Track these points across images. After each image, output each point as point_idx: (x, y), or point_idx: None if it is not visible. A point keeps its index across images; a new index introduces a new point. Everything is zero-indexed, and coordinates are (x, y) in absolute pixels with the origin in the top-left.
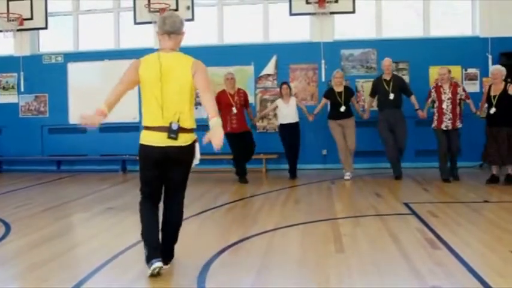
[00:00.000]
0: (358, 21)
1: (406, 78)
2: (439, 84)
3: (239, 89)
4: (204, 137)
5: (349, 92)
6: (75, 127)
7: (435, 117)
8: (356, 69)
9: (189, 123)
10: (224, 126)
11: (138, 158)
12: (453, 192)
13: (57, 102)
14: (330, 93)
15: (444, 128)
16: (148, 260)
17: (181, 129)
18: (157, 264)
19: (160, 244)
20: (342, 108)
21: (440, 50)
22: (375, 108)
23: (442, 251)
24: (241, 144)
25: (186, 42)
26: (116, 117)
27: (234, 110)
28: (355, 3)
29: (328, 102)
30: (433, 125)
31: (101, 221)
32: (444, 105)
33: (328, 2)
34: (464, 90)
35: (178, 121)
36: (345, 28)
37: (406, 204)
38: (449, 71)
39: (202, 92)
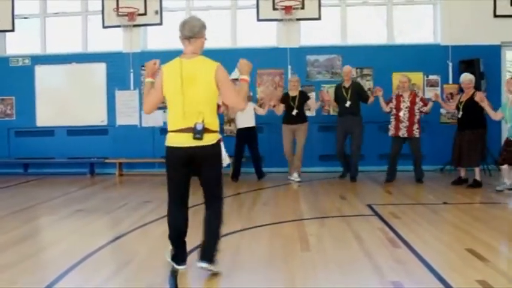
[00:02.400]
0: (324, 28)
1: (370, 84)
2: (400, 93)
3: None
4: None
5: (304, 97)
6: (43, 130)
7: (392, 125)
8: (322, 74)
9: (212, 124)
10: None
11: (164, 160)
12: (414, 195)
13: (24, 105)
14: (284, 98)
15: (401, 136)
16: (173, 259)
17: (206, 130)
18: (180, 267)
19: (185, 249)
20: (294, 112)
21: (403, 57)
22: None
23: (402, 250)
24: None
25: (156, 46)
26: (83, 120)
27: None
28: (321, 10)
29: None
30: (390, 133)
31: (70, 223)
32: (401, 113)
33: (294, 9)
34: (422, 100)
35: (202, 121)
36: (310, 34)
37: (370, 206)
38: (410, 80)
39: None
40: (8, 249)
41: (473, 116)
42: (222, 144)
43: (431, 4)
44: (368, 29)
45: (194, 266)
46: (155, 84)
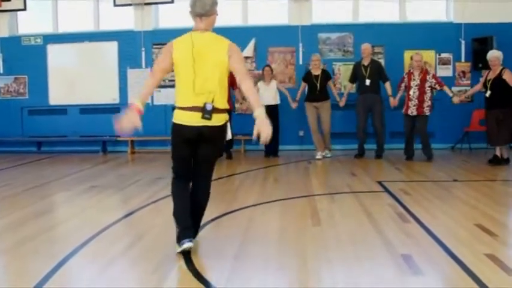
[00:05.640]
0: (336, 6)
1: (382, 62)
2: (411, 70)
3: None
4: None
5: (326, 76)
6: (55, 108)
7: (405, 103)
8: (333, 52)
9: (222, 104)
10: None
11: (170, 137)
12: (424, 172)
13: (36, 84)
14: (307, 76)
15: (410, 114)
16: (179, 239)
17: (215, 110)
18: (188, 244)
19: (191, 224)
20: (317, 91)
21: (415, 35)
22: (353, 91)
23: (411, 224)
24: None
25: (168, 24)
26: (96, 98)
27: None
28: None
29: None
30: (403, 111)
31: (83, 199)
32: (411, 92)
33: None
34: (434, 77)
35: (212, 102)
36: (322, 12)
37: (380, 183)
38: (422, 57)
39: (242, 78)
40: (27, 222)
41: (502, 95)
42: (228, 124)
43: None
44: (380, 7)
45: (211, 239)
46: (163, 51)
